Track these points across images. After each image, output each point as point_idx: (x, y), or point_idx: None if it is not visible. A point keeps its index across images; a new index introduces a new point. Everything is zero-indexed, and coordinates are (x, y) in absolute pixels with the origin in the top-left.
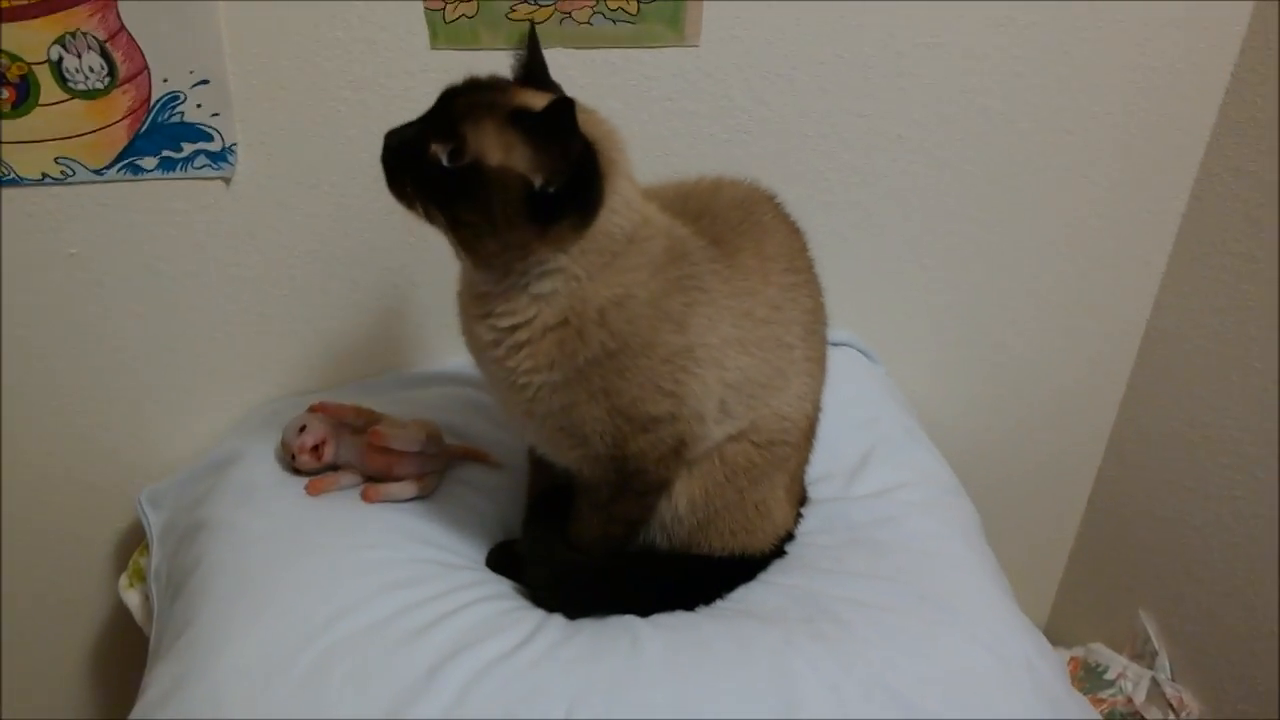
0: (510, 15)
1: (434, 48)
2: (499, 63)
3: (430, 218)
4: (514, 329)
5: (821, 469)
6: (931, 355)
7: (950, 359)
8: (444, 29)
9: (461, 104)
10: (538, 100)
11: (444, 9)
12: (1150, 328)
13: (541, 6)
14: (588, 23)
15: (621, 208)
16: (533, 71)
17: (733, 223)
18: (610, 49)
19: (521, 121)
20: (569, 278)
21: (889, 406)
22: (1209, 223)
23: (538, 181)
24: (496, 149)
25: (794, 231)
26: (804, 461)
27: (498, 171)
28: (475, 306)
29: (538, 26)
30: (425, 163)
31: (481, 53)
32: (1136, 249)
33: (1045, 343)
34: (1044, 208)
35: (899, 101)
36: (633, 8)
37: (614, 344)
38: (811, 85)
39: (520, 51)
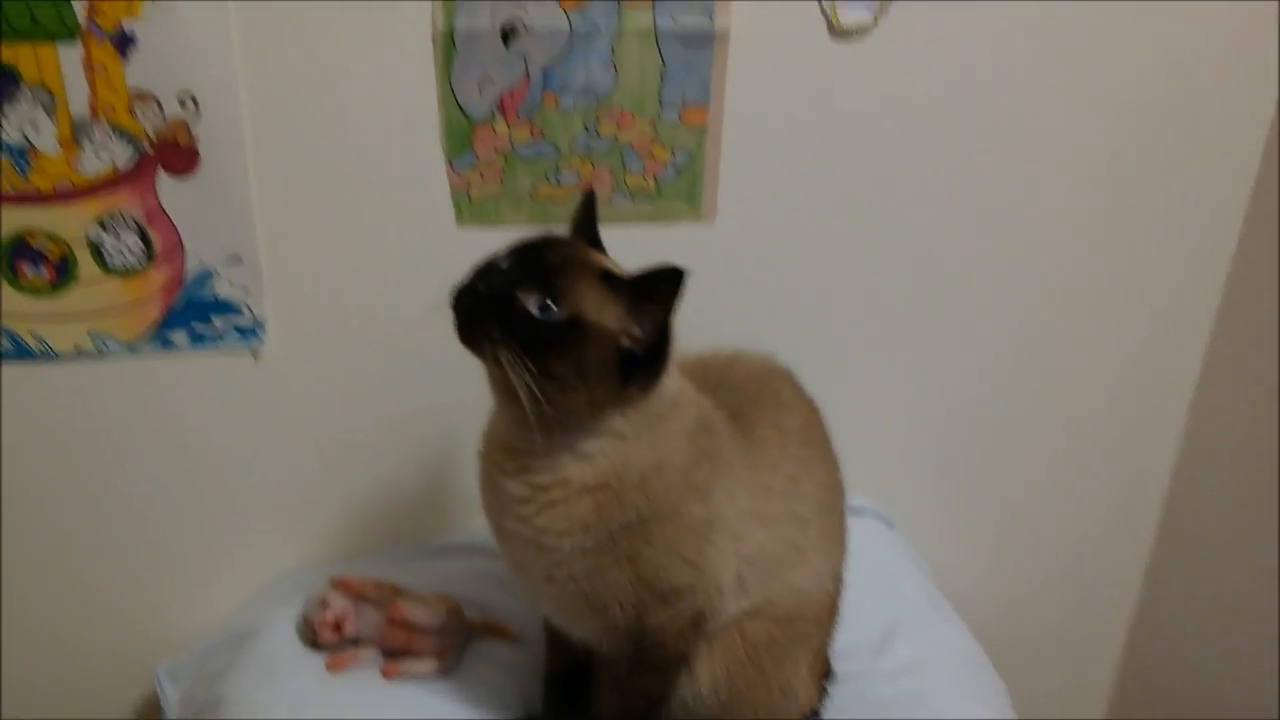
0: (532, 195)
1: (460, 225)
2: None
3: (510, 367)
4: (549, 487)
5: (846, 641)
6: (950, 519)
7: (969, 522)
8: (469, 208)
9: (553, 258)
10: (608, 261)
11: (469, 189)
12: (1173, 485)
13: (564, 186)
14: (609, 200)
15: (671, 373)
16: (588, 233)
17: (750, 395)
18: (630, 224)
19: (615, 281)
20: (617, 438)
21: (911, 576)
22: (1230, 376)
23: (625, 341)
24: (593, 305)
25: (810, 406)
26: (828, 637)
27: (595, 327)
28: (508, 461)
29: (558, 205)
30: (515, 312)
31: (505, 229)
32: (1157, 403)
33: (1065, 504)
34: (1058, 368)
35: (910, 274)
36: (651, 186)
37: (648, 510)
38: (823, 259)
39: (573, 214)
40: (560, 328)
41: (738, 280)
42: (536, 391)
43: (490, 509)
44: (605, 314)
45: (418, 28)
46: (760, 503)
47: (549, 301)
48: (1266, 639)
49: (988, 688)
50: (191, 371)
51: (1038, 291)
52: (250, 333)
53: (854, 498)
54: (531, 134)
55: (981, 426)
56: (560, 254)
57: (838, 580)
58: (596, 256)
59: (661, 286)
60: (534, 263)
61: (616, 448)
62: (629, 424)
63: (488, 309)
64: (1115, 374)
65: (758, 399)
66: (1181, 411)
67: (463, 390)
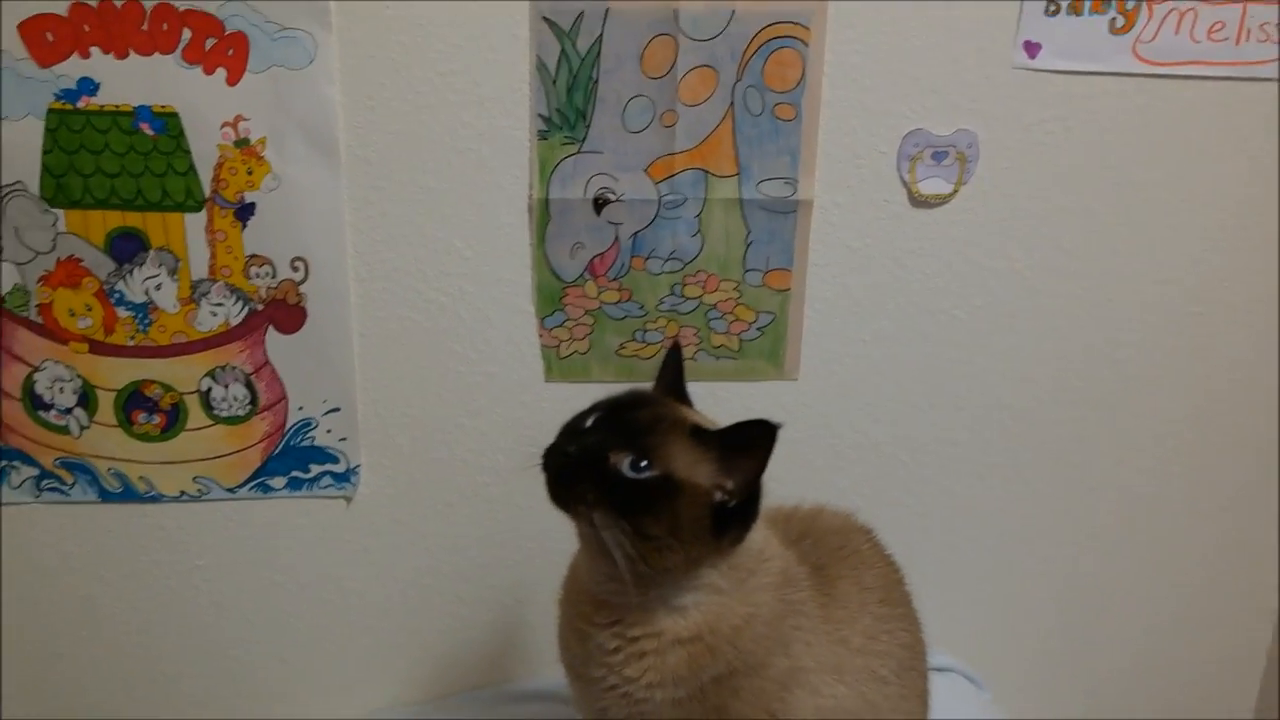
0: (619, 352)
1: (548, 380)
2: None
3: (605, 528)
4: (640, 639)
5: None
6: (1039, 679)
7: (1058, 683)
8: (558, 364)
9: (643, 417)
10: (697, 416)
11: (558, 346)
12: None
13: (649, 344)
14: (692, 358)
15: (758, 525)
16: (674, 386)
17: (831, 550)
18: (714, 382)
19: (706, 436)
20: (712, 591)
21: None
22: None
23: (718, 496)
24: (685, 463)
25: (890, 565)
26: None
27: (688, 485)
28: (597, 613)
29: (644, 362)
30: (607, 473)
31: (591, 385)
32: (1254, 570)
33: (1159, 666)
34: (1152, 531)
35: (994, 430)
36: (735, 345)
37: (737, 662)
38: (906, 415)
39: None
40: (653, 487)
41: (819, 437)
42: (632, 551)
43: (571, 658)
44: (697, 471)
45: (516, 197)
46: (839, 657)
47: (641, 461)
48: None
49: None
50: (286, 514)
51: (1129, 454)
52: (344, 479)
53: (939, 655)
54: (620, 295)
55: (1071, 586)
56: (649, 412)
57: None
58: (685, 412)
59: (754, 440)
60: (624, 422)
61: (710, 601)
62: (721, 577)
63: (580, 470)
64: (1215, 540)
65: (838, 554)
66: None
67: (543, 540)
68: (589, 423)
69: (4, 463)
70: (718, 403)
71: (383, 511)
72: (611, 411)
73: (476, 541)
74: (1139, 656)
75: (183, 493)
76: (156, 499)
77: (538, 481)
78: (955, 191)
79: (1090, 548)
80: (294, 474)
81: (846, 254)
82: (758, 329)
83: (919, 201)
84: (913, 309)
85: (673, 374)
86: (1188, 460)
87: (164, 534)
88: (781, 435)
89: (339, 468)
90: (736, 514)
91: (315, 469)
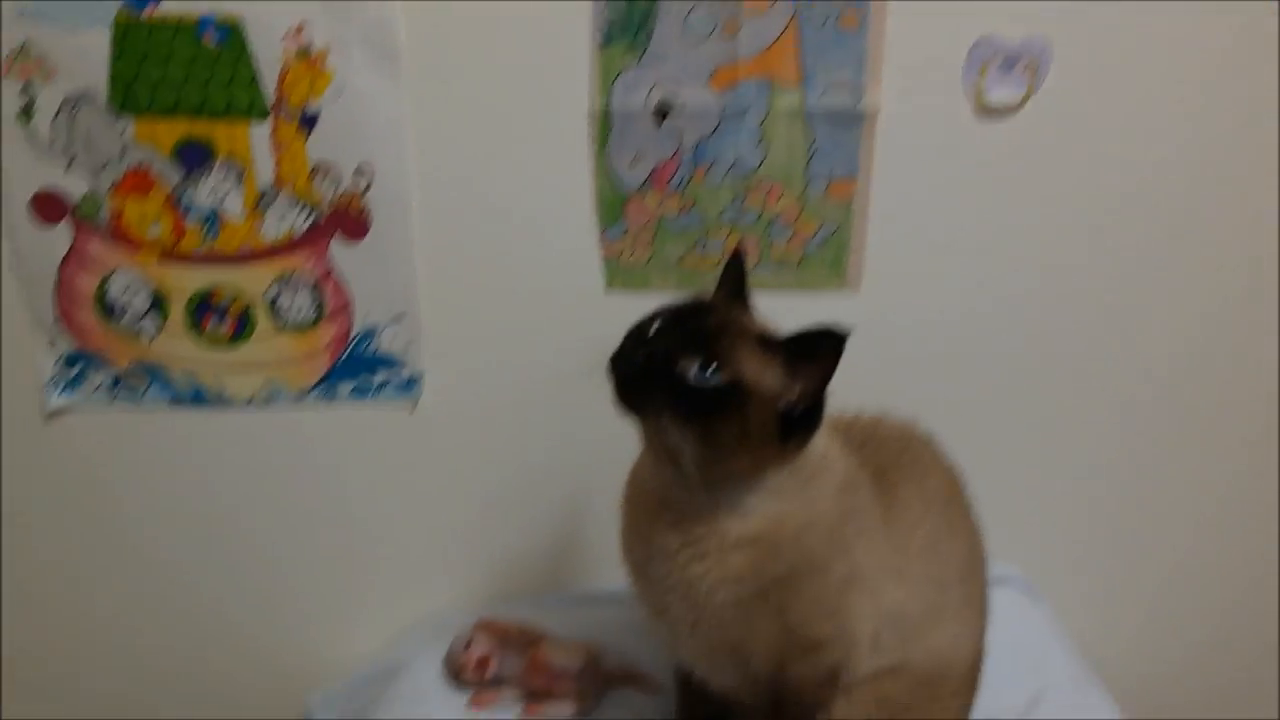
0: (680, 263)
1: (609, 291)
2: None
3: (674, 432)
4: (703, 539)
5: (987, 711)
6: (1098, 589)
7: (1117, 593)
8: (619, 274)
9: (711, 323)
10: (763, 322)
11: (619, 257)
12: None
13: (710, 255)
14: (754, 270)
15: (822, 431)
16: (738, 293)
17: (893, 457)
18: (775, 292)
19: (772, 343)
20: (775, 494)
21: (1054, 650)
22: None
23: (784, 402)
24: (753, 369)
25: (951, 472)
26: (968, 705)
27: (756, 390)
28: (662, 514)
29: (705, 274)
30: (675, 379)
31: (651, 295)
32: None
33: (1219, 569)
34: (1216, 435)
35: (1056, 344)
36: (797, 256)
37: (800, 563)
38: (969, 325)
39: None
40: (722, 393)
41: (881, 348)
42: (699, 455)
43: (635, 558)
44: (765, 377)
45: (576, 107)
46: (899, 561)
47: (709, 367)
48: None
49: None
50: (353, 421)
51: (1184, 361)
52: (409, 386)
53: (999, 566)
54: (681, 206)
55: (1131, 495)
56: (717, 319)
57: (979, 647)
58: (751, 318)
59: (821, 347)
60: (691, 328)
61: (773, 503)
62: (785, 480)
63: (648, 376)
64: (1273, 441)
65: (900, 461)
66: None
67: (608, 446)
68: (655, 329)
69: (81, 366)
70: (778, 315)
71: (447, 419)
72: (678, 318)
73: (538, 449)
74: (1199, 566)
75: (251, 399)
76: (226, 404)
77: (601, 389)
78: (1024, 101)
79: (1154, 456)
80: (360, 381)
81: (911, 164)
82: (820, 240)
83: (986, 111)
84: (976, 220)
85: (735, 281)
86: (1252, 364)
87: (236, 438)
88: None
89: (403, 375)
90: (801, 420)
91: (380, 376)
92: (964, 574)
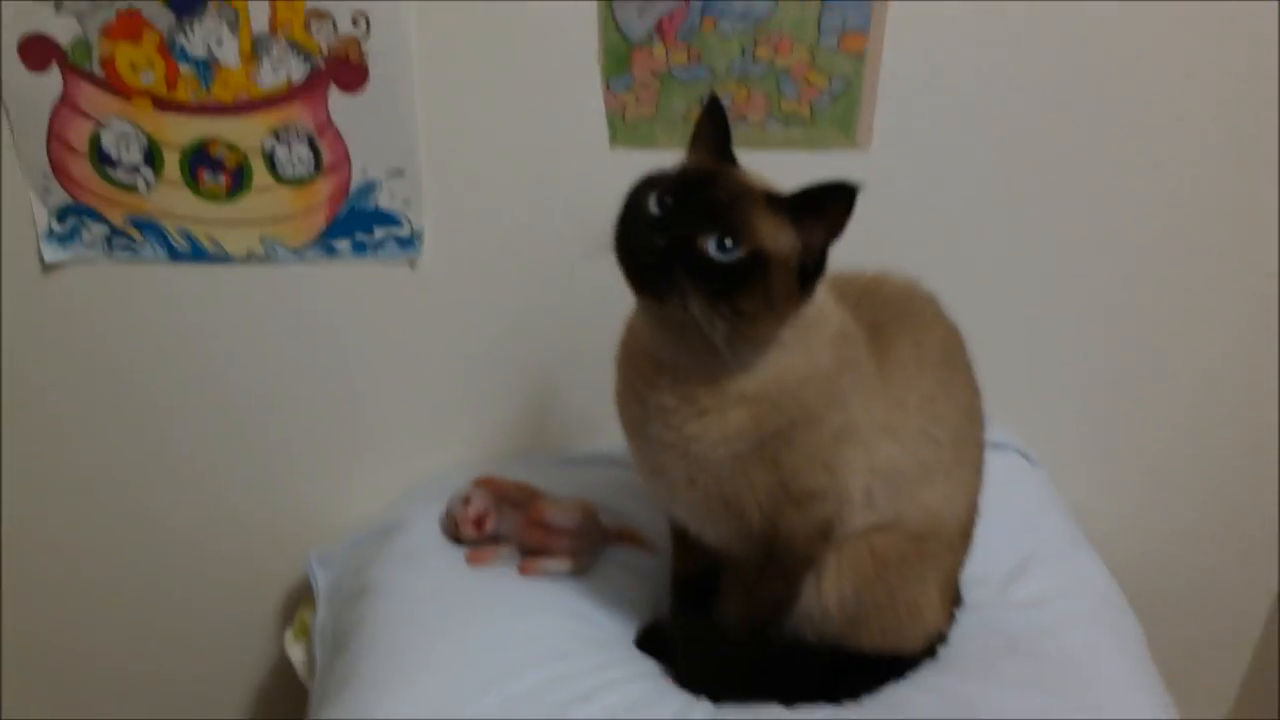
0: (686, 118)
1: (613, 147)
2: (673, 161)
3: (701, 312)
4: (700, 397)
5: (977, 571)
6: (1096, 460)
7: (1115, 464)
8: (623, 129)
9: (721, 194)
10: (762, 180)
11: (624, 111)
12: None
13: None
14: (762, 125)
15: (821, 284)
16: (720, 147)
17: (891, 313)
18: (782, 151)
19: (781, 202)
20: (780, 348)
21: (1049, 512)
22: None
23: (796, 259)
24: (769, 235)
25: (952, 330)
26: (959, 563)
27: (775, 257)
28: (661, 376)
29: None
30: (696, 257)
31: (657, 152)
32: None
33: (1218, 445)
34: (1217, 306)
35: (1066, 202)
36: (806, 112)
37: (798, 415)
38: (980, 187)
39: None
40: (745, 265)
41: (889, 209)
42: (729, 328)
43: (631, 418)
44: (780, 240)
45: None
46: (893, 417)
47: (727, 240)
48: None
49: (1122, 627)
50: (352, 278)
51: (1197, 229)
52: (408, 243)
53: (997, 432)
54: (689, 57)
55: (1132, 368)
56: (725, 189)
57: (972, 507)
58: (756, 180)
59: (832, 202)
60: (702, 202)
61: (777, 357)
62: (790, 334)
63: (669, 259)
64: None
65: (898, 316)
66: None
67: (610, 305)
68: (659, 207)
69: (76, 219)
70: (785, 173)
71: (447, 277)
72: (684, 192)
73: (539, 308)
74: (1196, 440)
75: (250, 254)
76: (224, 260)
77: (603, 249)
78: None
79: (1157, 328)
80: (358, 237)
81: (926, 18)
82: (830, 96)
83: None
84: (989, 77)
85: (718, 133)
86: (1247, 237)
87: (234, 295)
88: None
89: (403, 232)
90: (812, 273)
91: (379, 232)
92: (960, 434)
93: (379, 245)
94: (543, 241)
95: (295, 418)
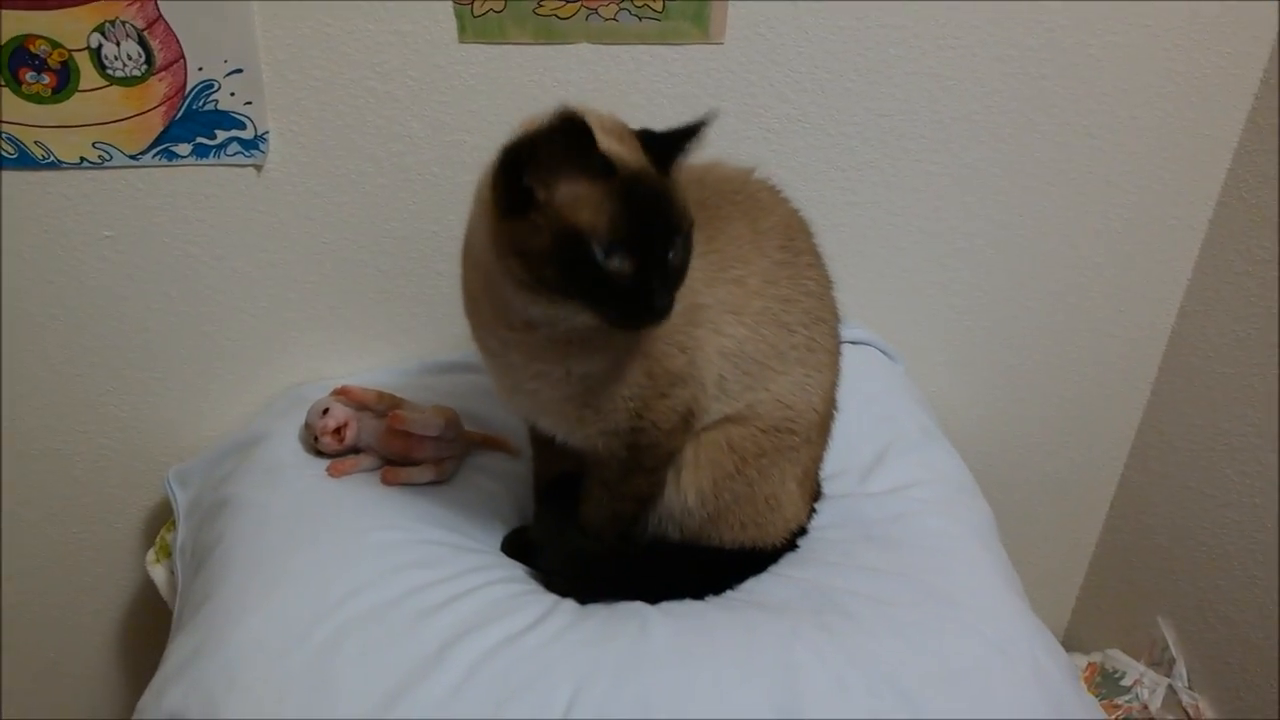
0: (537, 10)
1: (461, 41)
2: (525, 58)
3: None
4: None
5: (837, 465)
6: (952, 356)
7: (971, 360)
8: (472, 23)
9: (679, 203)
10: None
11: (472, 4)
12: (1175, 333)
13: (568, 3)
14: (614, 19)
15: None
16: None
17: (724, 193)
18: (635, 45)
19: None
20: None
21: (907, 405)
22: (1235, 229)
23: None
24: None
25: (793, 213)
26: (817, 457)
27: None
28: (509, 328)
29: (562, 22)
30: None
31: (508, 46)
32: (1162, 253)
33: (1068, 346)
34: (1068, 210)
35: (923, 102)
36: (659, 5)
37: None
38: (835, 84)
39: None
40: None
41: (744, 107)
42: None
43: (487, 348)
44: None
45: None
46: (735, 297)
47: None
48: (1258, 489)
49: (974, 512)
50: (195, 183)
51: (1053, 132)
52: (253, 145)
53: (857, 329)
54: None
55: (989, 266)
56: (676, 193)
57: (828, 399)
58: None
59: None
60: (675, 224)
61: None
62: None
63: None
64: (1125, 218)
65: (731, 198)
66: (1189, 260)
67: (462, 207)
68: (661, 246)
69: None
70: (639, 68)
71: (295, 181)
72: (665, 223)
73: (393, 213)
74: (1050, 338)
75: (83, 159)
76: (55, 165)
77: (456, 150)
78: None
79: (1012, 224)
80: (199, 140)
81: None
82: None
83: None
84: None
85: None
86: (1109, 140)
87: (68, 203)
88: (704, 104)
89: (246, 134)
90: None
91: (221, 135)
92: (809, 319)
93: (222, 148)
94: (394, 143)
95: (142, 332)
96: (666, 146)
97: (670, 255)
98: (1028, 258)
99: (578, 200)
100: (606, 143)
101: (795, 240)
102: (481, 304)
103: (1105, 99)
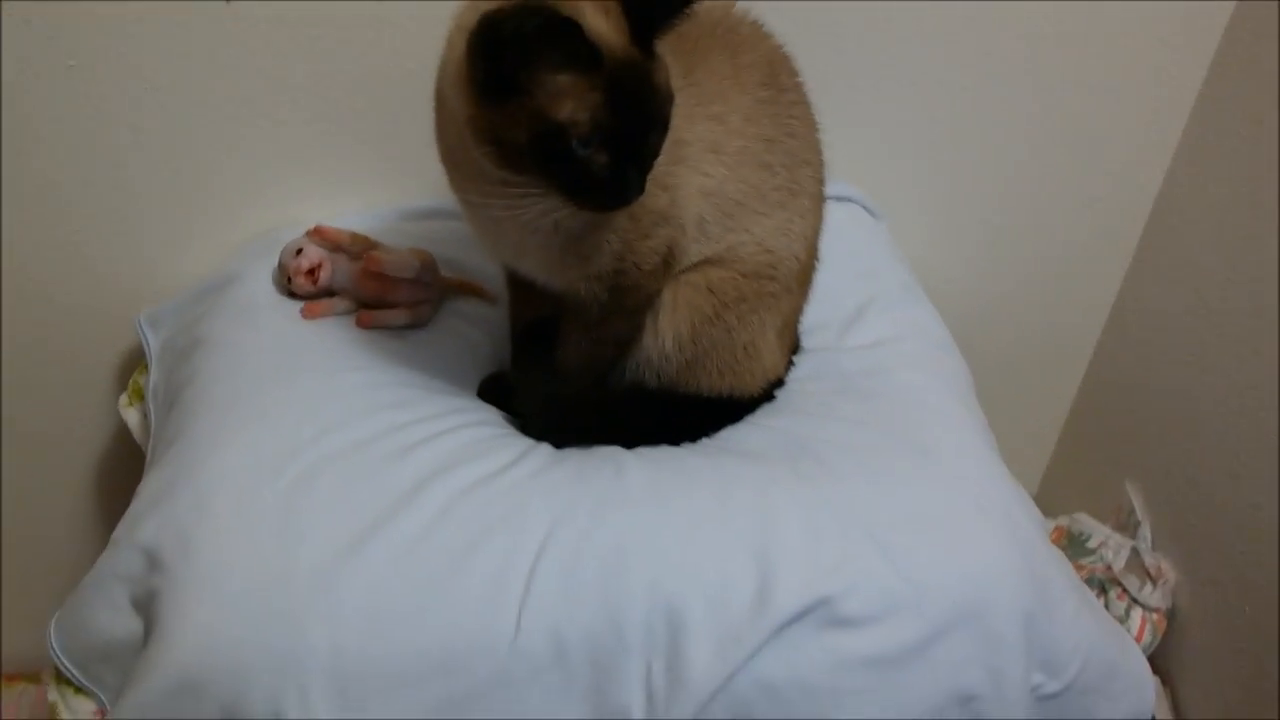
0: None
1: None
2: None
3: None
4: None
5: (816, 319)
6: (934, 216)
7: (953, 221)
8: None
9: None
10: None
11: None
12: (1160, 197)
13: None
14: None
15: None
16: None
17: (705, 28)
18: None
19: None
20: None
21: (888, 261)
22: (1225, 96)
23: None
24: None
25: (776, 49)
26: (797, 308)
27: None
28: (487, 182)
29: None
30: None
31: None
32: (1151, 115)
33: (1052, 207)
34: (1057, 67)
35: None
36: None
37: None
38: None
39: None
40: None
41: None
42: None
43: (467, 199)
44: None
45: None
46: (716, 135)
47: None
48: (1233, 355)
49: (950, 368)
50: (162, 12)
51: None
52: None
53: (840, 185)
54: None
55: (974, 124)
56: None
57: (810, 248)
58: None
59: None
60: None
61: None
62: None
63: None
64: (1116, 74)
65: (713, 31)
66: (1179, 124)
67: (441, 43)
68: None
69: None
70: None
71: (266, 10)
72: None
73: (368, 47)
74: (1032, 198)
75: None
76: None
77: None
78: None
79: (999, 80)
80: None
81: None
82: None
83: None
84: None
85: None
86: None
87: (28, 29)
88: None
89: None
90: None
91: None
92: (793, 159)
93: None
94: None
95: (111, 169)
96: (653, 17)
97: (649, 144)
98: (1014, 116)
99: (560, 93)
100: (594, 20)
101: (779, 77)
102: (458, 157)
103: None
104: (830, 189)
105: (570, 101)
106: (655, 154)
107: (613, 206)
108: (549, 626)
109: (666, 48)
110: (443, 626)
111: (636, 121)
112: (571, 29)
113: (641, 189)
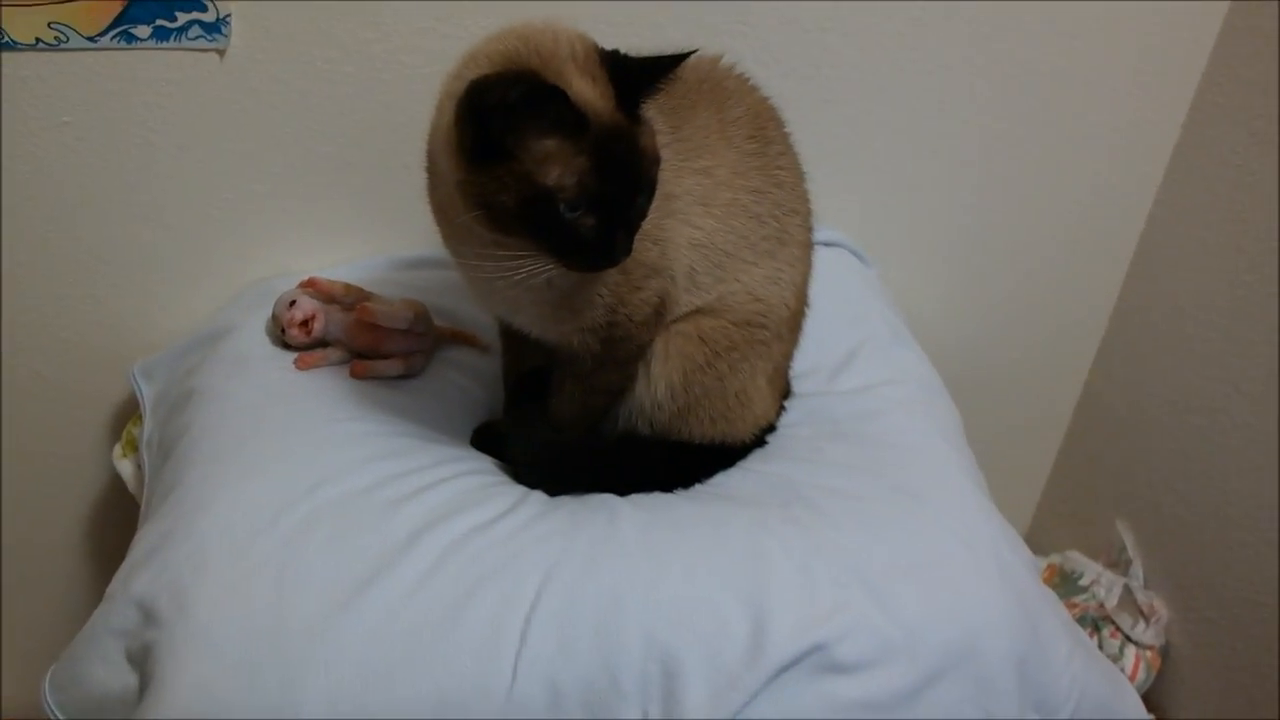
0: None
1: None
2: None
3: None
4: None
5: (807, 364)
6: (922, 261)
7: (941, 266)
8: None
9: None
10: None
11: None
12: (1143, 240)
13: None
14: None
15: None
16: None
17: (691, 83)
18: None
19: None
20: None
21: (877, 306)
22: (1210, 133)
23: None
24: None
25: (762, 101)
26: (787, 354)
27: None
28: (479, 244)
29: None
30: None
31: None
32: (1134, 159)
33: (1037, 249)
34: (1043, 111)
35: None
36: None
37: None
38: None
39: None
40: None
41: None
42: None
43: (459, 253)
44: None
45: None
46: (704, 189)
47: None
48: (1219, 395)
49: (942, 412)
50: (156, 68)
51: (1030, 29)
52: (214, 29)
53: (828, 231)
54: None
55: (962, 167)
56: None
57: (800, 295)
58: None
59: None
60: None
61: None
62: None
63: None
64: (1100, 120)
65: (699, 86)
66: (1160, 168)
67: (433, 95)
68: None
69: None
70: None
71: (258, 66)
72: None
73: (361, 103)
74: (1020, 238)
75: (39, 40)
76: (10, 46)
77: (425, 38)
78: None
79: (984, 125)
80: (159, 22)
81: None
82: None
83: None
84: None
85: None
86: (1085, 38)
87: (24, 86)
88: None
89: (208, 17)
90: None
91: (182, 17)
92: (781, 209)
93: (183, 31)
94: (363, 30)
95: (105, 223)
96: (638, 82)
97: (635, 206)
98: (1001, 158)
99: (547, 158)
100: (579, 87)
101: (765, 129)
102: (450, 217)
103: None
104: (820, 234)
105: (557, 166)
106: (642, 216)
107: (601, 267)
108: (545, 675)
109: (653, 104)
110: (439, 677)
111: (623, 185)
112: (557, 96)
113: (629, 250)
